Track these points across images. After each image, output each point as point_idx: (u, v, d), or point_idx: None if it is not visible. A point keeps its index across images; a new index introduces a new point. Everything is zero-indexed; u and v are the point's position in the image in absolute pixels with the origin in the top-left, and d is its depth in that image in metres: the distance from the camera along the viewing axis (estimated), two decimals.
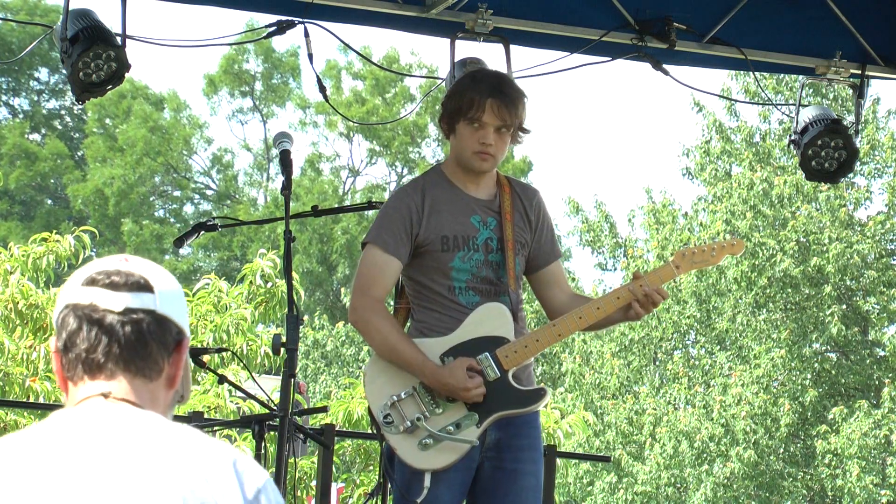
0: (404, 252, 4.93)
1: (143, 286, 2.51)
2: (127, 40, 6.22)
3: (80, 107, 37.54)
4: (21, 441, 2.45)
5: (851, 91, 7.60)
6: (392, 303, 5.23)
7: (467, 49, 6.81)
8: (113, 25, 6.23)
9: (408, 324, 5.08)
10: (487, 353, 4.86)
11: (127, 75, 6.26)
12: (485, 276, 4.93)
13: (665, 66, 7.04)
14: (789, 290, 23.58)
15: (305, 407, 13.07)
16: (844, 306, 23.76)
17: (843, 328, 23.25)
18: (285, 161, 5.07)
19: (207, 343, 10.71)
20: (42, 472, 2.40)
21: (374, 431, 4.97)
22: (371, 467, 10.29)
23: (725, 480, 22.67)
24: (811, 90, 22.40)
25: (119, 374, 2.50)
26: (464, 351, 4.86)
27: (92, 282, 2.50)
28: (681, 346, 25.49)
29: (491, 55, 6.84)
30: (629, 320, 5.02)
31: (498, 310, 4.90)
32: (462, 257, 4.93)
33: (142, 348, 2.49)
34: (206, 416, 9.03)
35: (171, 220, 37.83)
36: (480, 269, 4.93)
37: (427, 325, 4.95)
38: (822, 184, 21.54)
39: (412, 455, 4.83)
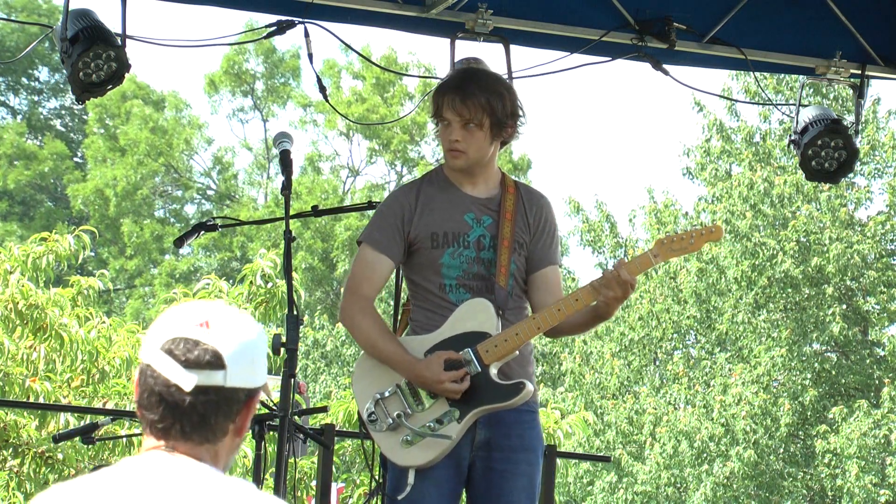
0: (397, 251, 4.96)
1: (216, 364, 2.68)
2: (127, 40, 6.23)
3: (79, 107, 37.52)
4: (88, 487, 2.64)
5: (851, 91, 7.60)
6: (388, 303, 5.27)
7: (467, 49, 6.81)
8: (113, 25, 6.24)
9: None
10: (469, 349, 4.87)
11: (128, 75, 6.26)
12: (476, 272, 4.94)
13: (665, 66, 7.04)
14: (789, 290, 23.58)
15: (305, 407, 13.08)
16: (844, 306, 23.77)
17: (844, 327, 23.25)
18: (285, 161, 5.07)
19: None
20: None
21: (361, 430, 5.03)
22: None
23: (725, 480, 22.67)
24: (811, 90, 22.40)
25: (182, 442, 2.71)
26: (446, 347, 4.88)
27: (170, 352, 2.68)
28: (681, 346, 25.49)
29: (491, 55, 6.84)
30: (601, 318, 4.96)
31: (482, 305, 4.91)
32: (452, 254, 4.94)
33: (205, 424, 2.70)
34: None
35: (171, 220, 37.82)
36: (471, 265, 4.94)
37: (419, 323, 4.99)
38: (823, 184, 21.54)
39: (395, 452, 4.89)
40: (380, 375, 4.92)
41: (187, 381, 2.66)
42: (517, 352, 4.91)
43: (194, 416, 2.68)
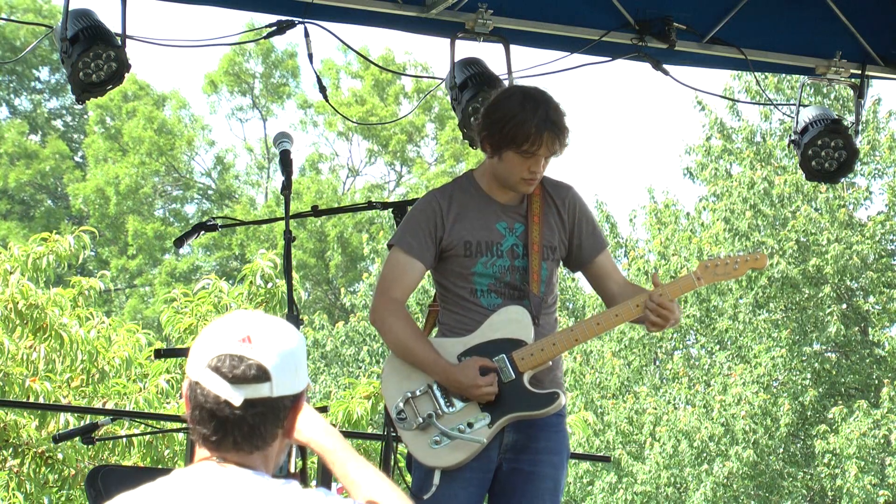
0: (428, 255, 4.96)
1: (262, 377, 2.82)
2: (127, 40, 6.23)
3: (80, 107, 37.53)
4: (145, 498, 2.80)
5: (851, 91, 7.60)
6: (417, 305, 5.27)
7: (467, 49, 6.82)
8: (113, 25, 6.24)
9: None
10: (504, 355, 4.88)
11: (128, 75, 6.26)
12: (509, 281, 4.95)
13: (665, 66, 7.04)
14: (789, 290, 23.58)
15: None
16: (844, 306, 23.76)
17: (843, 328, 23.25)
18: (285, 161, 5.06)
19: None
20: None
21: (384, 431, 5.04)
22: None
23: (725, 480, 22.67)
24: (811, 90, 22.39)
25: (233, 452, 2.84)
26: (481, 352, 4.88)
27: (216, 370, 2.81)
28: (681, 345, 25.49)
29: (491, 55, 6.85)
30: (650, 331, 5.04)
31: (519, 312, 4.91)
32: (485, 263, 4.95)
33: (256, 434, 2.84)
34: None
35: (171, 219, 37.82)
36: (504, 274, 4.95)
37: (449, 326, 4.99)
38: (822, 184, 21.54)
39: (423, 452, 4.87)
40: (410, 374, 4.91)
41: (236, 396, 2.79)
42: (550, 361, 4.92)
43: (244, 428, 2.80)
